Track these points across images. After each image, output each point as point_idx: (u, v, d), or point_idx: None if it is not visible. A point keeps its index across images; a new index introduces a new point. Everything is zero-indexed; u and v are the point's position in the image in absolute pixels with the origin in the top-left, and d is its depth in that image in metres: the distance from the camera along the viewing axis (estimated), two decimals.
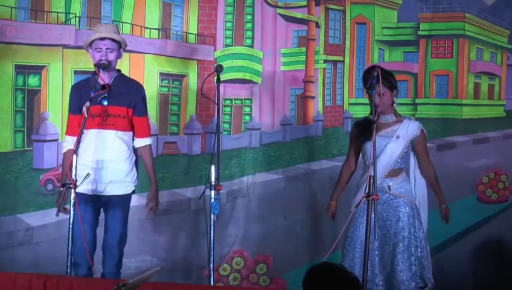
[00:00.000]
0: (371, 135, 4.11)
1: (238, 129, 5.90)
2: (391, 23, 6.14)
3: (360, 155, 4.59)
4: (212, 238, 4.26)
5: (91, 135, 4.36)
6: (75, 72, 5.35)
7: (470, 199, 5.96)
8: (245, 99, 5.93)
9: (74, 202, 3.99)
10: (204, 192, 4.30)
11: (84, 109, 4.10)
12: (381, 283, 4.43)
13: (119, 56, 4.45)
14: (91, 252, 4.28)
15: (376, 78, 4.10)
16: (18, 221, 5.27)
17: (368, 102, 4.51)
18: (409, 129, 4.47)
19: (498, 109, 6.21)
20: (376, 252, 4.40)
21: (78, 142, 4.08)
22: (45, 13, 5.31)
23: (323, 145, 6.02)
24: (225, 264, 5.66)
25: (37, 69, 5.35)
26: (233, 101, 5.92)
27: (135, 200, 4.71)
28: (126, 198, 4.49)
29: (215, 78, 4.43)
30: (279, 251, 5.69)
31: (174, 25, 5.72)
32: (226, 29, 5.85)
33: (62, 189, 4.14)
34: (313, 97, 6.06)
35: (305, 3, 6.01)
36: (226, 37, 5.85)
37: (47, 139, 5.34)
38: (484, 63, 6.16)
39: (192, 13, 5.75)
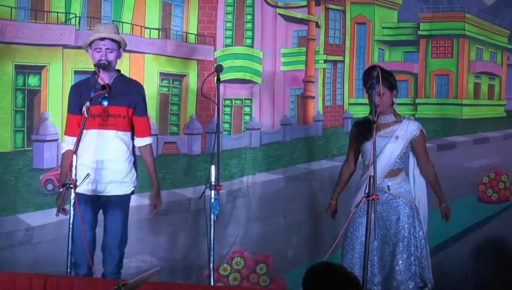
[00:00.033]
0: (370, 135, 4.11)
1: (238, 129, 5.90)
2: (391, 23, 6.14)
3: (360, 155, 4.59)
4: (212, 238, 4.26)
5: (91, 135, 4.35)
6: (75, 72, 5.35)
7: (470, 199, 5.96)
8: (245, 99, 5.93)
9: (74, 202, 3.99)
10: (204, 192, 4.30)
11: (84, 109, 4.09)
12: (379, 283, 4.43)
13: (118, 56, 4.45)
14: (90, 252, 4.28)
15: (376, 78, 4.10)
16: (18, 221, 5.27)
17: (368, 102, 4.51)
18: (408, 129, 4.47)
19: (498, 109, 6.21)
20: (375, 252, 4.40)
21: (78, 142, 4.07)
22: (45, 13, 5.31)
23: (323, 145, 6.02)
24: (225, 264, 5.66)
25: (37, 69, 5.35)
26: (233, 101, 5.92)
27: (135, 200, 4.72)
28: (125, 198, 4.49)
29: (215, 78, 4.43)
30: (279, 251, 5.69)
31: (174, 25, 5.72)
32: (226, 29, 5.85)
33: (61, 189, 4.14)
34: (313, 97, 6.06)
35: (305, 3, 6.01)
36: (226, 37, 5.85)
37: (47, 139, 5.34)
38: (484, 63, 6.16)
39: (192, 13, 5.75)
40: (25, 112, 5.34)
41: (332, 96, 6.13)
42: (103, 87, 4.31)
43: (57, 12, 5.34)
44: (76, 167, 4.00)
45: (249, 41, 5.91)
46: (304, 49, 6.03)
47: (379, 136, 4.29)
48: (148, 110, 4.63)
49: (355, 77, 6.13)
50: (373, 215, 3.78)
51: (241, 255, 5.66)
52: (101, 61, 4.31)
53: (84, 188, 4.21)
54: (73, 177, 3.97)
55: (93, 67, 4.37)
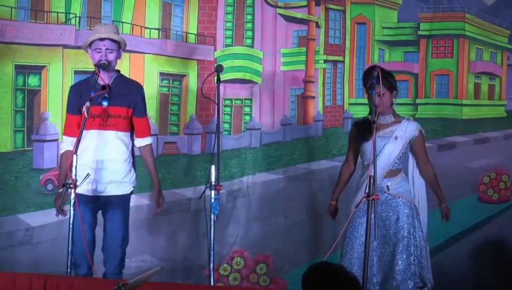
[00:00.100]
0: (369, 136, 4.11)
1: (238, 129, 5.90)
2: (391, 23, 6.14)
3: (359, 156, 4.59)
4: (212, 238, 4.26)
5: (91, 136, 4.35)
6: (75, 72, 5.34)
7: (470, 199, 5.96)
8: (245, 99, 5.93)
9: (74, 202, 3.99)
10: (204, 192, 4.30)
11: (84, 109, 4.09)
12: (379, 283, 4.43)
13: (118, 56, 4.44)
14: (90, 252, 4.28)
15: (376, 78, 4.10)
16: (18, 221, 5.27)
17: (368, 102, 4.51)
18: (407, 130, 4.47)
19: (499, 109, 6.21)
20: (375, 253, 4.40)
21: (78, 142, 4.07)
22: (45, 13, 5.31)
23: (323, 145, 6.02)
24: (225, 264, 5.66)
25: (37, 69, 5.34)
26: (234, 101, 5.92)
27: (134, 201, 4.71)
28: (125, 198, 4.49)
29: (215, 78, 4.43)
30: (279, 251, 5.69)
31: (174, 25, 5.72)
32: (226, 29, 5.85)
33: (60, 190, 4.14)
34: (313, 97, 6.05)
35: (305, 3, 6.00)
36: (226, 37, 5.85)
37: (47, 139, 5.34)
38: (484, 63, 6.16)
39: (192, 13, 5.75)
40: (25, 112, 5.34)
41: (332, 96, 6.13)
42: (103, 87, 4.31)
43: (57, 12, 5.34)
44: (76, 167, 4.00)
45: (249, 41, 5.91)
46: (304, 49, 6.03)
47: (378, 136, 4.29)
48: (148, 110, 4.63)
49: (356, 77, 6.13)
50: (373, 215, 3.77)
51: (241, 255, 5.66)
52: (101, 62, 4.30)
53: (83, 188, 4.20)
54: (73, 177, 3.97)
55: (93, 67, 4.36)
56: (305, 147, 6.01)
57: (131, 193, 4.53)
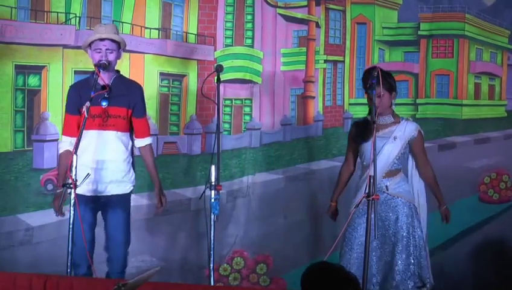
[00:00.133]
0: (368, 136, 4.11)
1: (238, 129, 5.90)
2: (391, 23, 6.13)
3: (358, 156, 4.59)
4: (212, 238, 4.26)
5: (91, 136, 4.34)
6: (75, 72, 5.34)
7: (470, 199, 5.96)
8: (245, 99, 5.93)
9: (74, 202, 3.98)
10: (204, 192, 4.29)
11: (84, 109, 4.09)
12: (378, 283, 4.43)
13: (118, 56, 4.44)
14: (89, 251, 4.27)
15: (376, 78, 4.10)
16: (18, 221, 5.27)
17: (367, 102, 4.50)
18: (406, 130, 4.46)
19: (499, 109, 6.21)
20: (374, 253, 4.39)
21: (79, 142, 4.06)
22: (45, 13, 5.30)
23: (323, 145, 6.02)
24: (225, 264, 5.66)
25: (37, 69, 5.34)
26: (234, 101, 5.92)
27: (134, 200, 4.71)
28: (126, 197, 4.49)
29: (215, 78, 4.43)
30: (279, 251, 5.69)
31: (174, 25, 5.72)
32: (226, 29, 5.84)
33: (59, 190, 4.13)
34: (313, 97, 6.05)
35: (305, 3, 6.00)
36: (226, 37, 5.85)
37: (47, 139, 5.33)
38: (484, 64, 6.16)
39: (192, 13, 5.74)
40: (25, 112, 5.33)
41: (332, 96, 6.13)
42: (103, 87, 4.31)
43: (57, 12, 5.33)
44: (76, 167, 3.99)
45: (249, 41, 5.91)
46: (304, 49, 6.03)
47: (377, 136, 4.27)
48: (148, 110, 4.63)
49: (356, 77, 6.13)
50: (373, 215, 3.77)
51: (241, 255, 5.66)
52: (101, 62, 4.30)
53: (83, 188, 4.20)
54: (73, 177, 3.97)
55: (93, 67, 4.36)
56: (305, 147, 6.01)
57: (131, 192, 4.53)
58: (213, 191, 4.23)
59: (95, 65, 4.32)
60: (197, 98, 5.76)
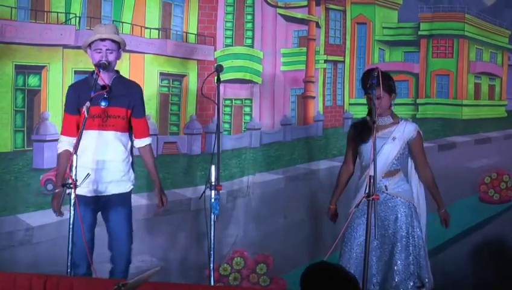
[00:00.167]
0: (367, 137, 4.11)
1: (238, 129, 5.90)
2: (391, 23, 6.13)
3: (358, 157, 4.58)
4: (212, 238, 4.26)
5: (91, 136, 4.34)
6: (75, 72, 5.34)
7: (471, 199, 5.96)
8: (245, 99, 5.93)
9: (74, 202, 3.98)
10: (204, 192, 4.29)
11: (84, 109, 4.08)
12: (378, 283, 4.43)
13: (118, 57, 4.44)
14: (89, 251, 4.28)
15: (376, 78, 4.10)
16: (18, 221, 5.27)
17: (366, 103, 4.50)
18: (405, 131, 4.46)
19: (499, 109, 6.21)
20: (374, 253, 4.39)
21: (79, 142, 4.06)
22: (45, 13, 5.30)
23: (323, 145, 6.02)
24: (225, 264, 5.66)
25: (37, 69, 5.34)
26: (234, 101, 5.92)
27: (135, 201, 4.71)
28: (126, 196, 4.49)
29: (215, 78, 4.43)
30: (279, 251, 5.69)
31: (174, 25, 5.72)
32: (226, 29, 5.84)
33: (58, 191, 4.13)
34: (313, 97, 6.05)
35: (305, 3, 6.00)
36: (226, 37, 5.85)
37: (47, 139, 5.33)
38: (484, 64, 6.16)
39: (192, 13, 5.74)
40: (25, 112, 5.33)
41: (332, 96, 6.13)
42: (103, 87, 4.30)
43: (57, 12, 5.33)
44: (76, 167, 3.99)
45: (249, 41, 5.91)
46: (304, 49, 6.03)
47: (377, 137, 4.26)
48: (148, 110, 4.63)
49: (356, 77, 6.13)
50: (373, 215, 3.77)
51: (241, 255, 5.66)
52: (102, 62, 4.30)
53: (83, 189, 4.20)
54: (73, 177, 3.96)
55: (93, 67, 4.36)
56: (305, 147, 6.01)
57: (131, 191, 4.53)
58: (213, 191, 4.23)
59: (95, 65, 4.32)
60: (197, 98, 5.76)
